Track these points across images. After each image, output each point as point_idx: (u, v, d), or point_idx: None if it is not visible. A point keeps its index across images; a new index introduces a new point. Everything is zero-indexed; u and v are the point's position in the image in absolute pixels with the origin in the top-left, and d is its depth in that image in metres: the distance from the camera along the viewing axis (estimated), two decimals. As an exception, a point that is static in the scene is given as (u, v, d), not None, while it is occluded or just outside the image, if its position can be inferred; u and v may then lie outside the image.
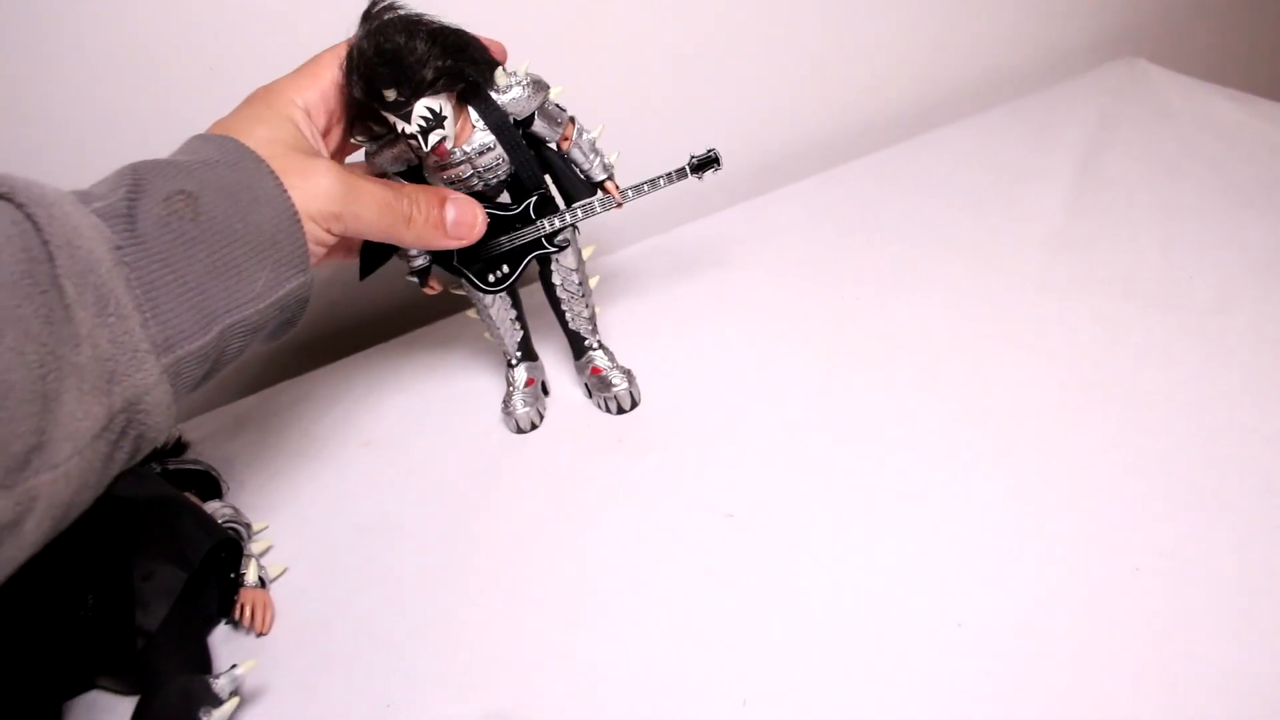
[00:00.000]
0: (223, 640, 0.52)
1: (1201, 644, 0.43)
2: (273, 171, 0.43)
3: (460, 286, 0.61)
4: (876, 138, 0.93)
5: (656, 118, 0.83)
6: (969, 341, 0.64)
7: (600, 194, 0.57)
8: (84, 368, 0.34)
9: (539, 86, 0.53)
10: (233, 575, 0.53)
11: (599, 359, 0.64)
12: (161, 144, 0.45)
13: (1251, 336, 0.60)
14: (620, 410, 0.63)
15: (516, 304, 0.63)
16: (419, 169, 0.54)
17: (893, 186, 0.85)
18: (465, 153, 0.52)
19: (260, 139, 0.44)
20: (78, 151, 0.65)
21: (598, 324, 0.64)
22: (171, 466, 0.59)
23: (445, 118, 0.48)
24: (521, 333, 0.64)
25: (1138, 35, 1.09)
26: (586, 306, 0.63)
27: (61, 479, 0.34)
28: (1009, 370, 0.61)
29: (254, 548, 0.56)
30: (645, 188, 0.57)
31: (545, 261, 0.60)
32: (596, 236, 0.63)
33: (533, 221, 0.57)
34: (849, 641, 0.46)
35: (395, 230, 0.49)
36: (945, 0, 0.94)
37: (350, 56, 0.47)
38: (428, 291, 0.60)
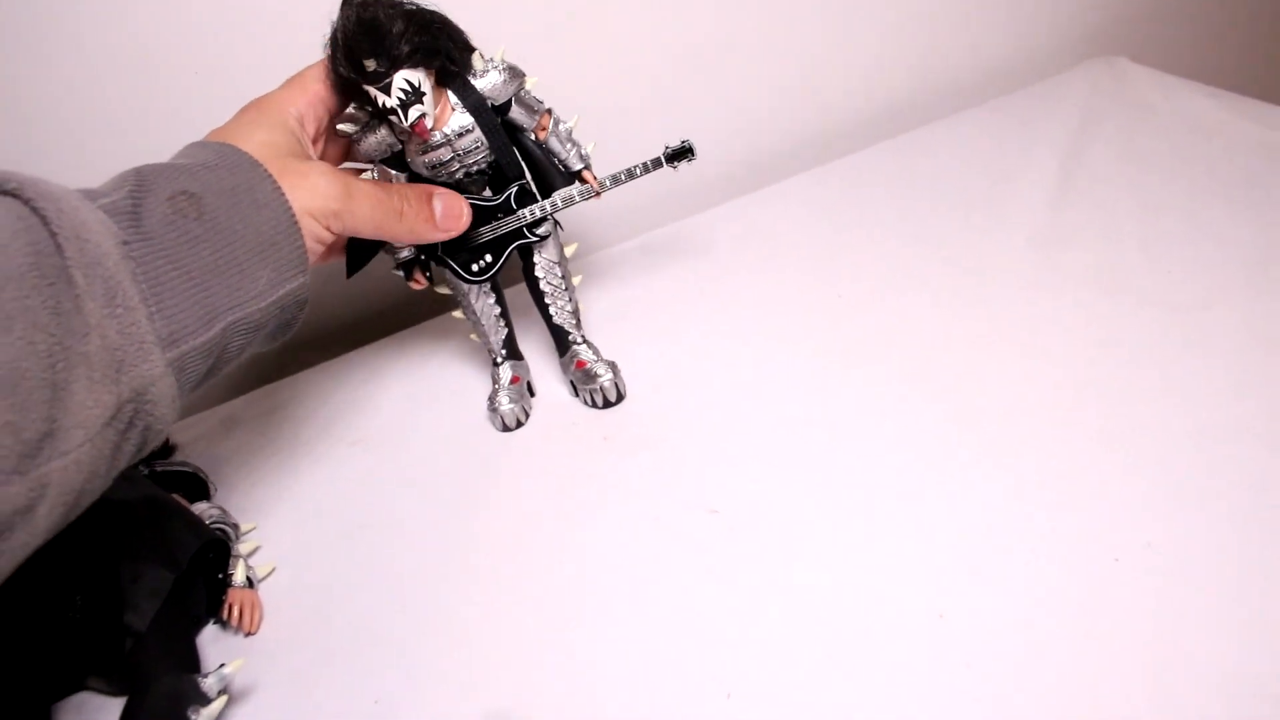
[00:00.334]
0: (211, 640, 0.53)
1: (1183, 636, 0.44)
2: (270, 176, 0.45)
3: (445, 283, 0.62)
4: (861, 136, 0.94)
5: (642, 117, 0.84)
6: (953, 337, 0.65)
7: (579, 183, 0.58)
8: (93, 357, 0.35)
9: (515, 73, 0.55)
10: (220, 576, 0.53)
11: (583, 353, 0.64)
12: (158, 145, 0.46)
13: (1234, 332, 0.61)
14: (606, 403, 0.64)
15: (500, 300, 0.64)
16: (402, 156, 0.56)
17: (877, 185, 0.86)
18: (445, 134, 0.54)
19: (258, 144, 0.46)
20: (76, 153, 0.65)
21: (581, 319, 0.65)
22: (159, 468, 0.59)
23: (424, 94, 0.50)
24: (506, 330, 0.64)
25: (1119, 34, 1.10)
26: (570, 300, 0.63)
27: (73, 466, 0.35)
28: (994, 366, 0.62)
29: (242, 548, 0.56)
30: (622, 177, 0.59)
31: (528, 256, 0.61)
32: (580, 235, 0.64)
33: (513, 211, 0.58)
34: (831, 634, 0.46)
35: (388, 225, 0.52)
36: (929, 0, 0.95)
37: (334, 35, 0.49)
38: (414, 285, 0.61)
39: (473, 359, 0.71)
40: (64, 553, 0.48)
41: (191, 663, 0.50)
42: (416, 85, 0.49)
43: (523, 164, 0.58)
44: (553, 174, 0.59)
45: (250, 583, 0.54)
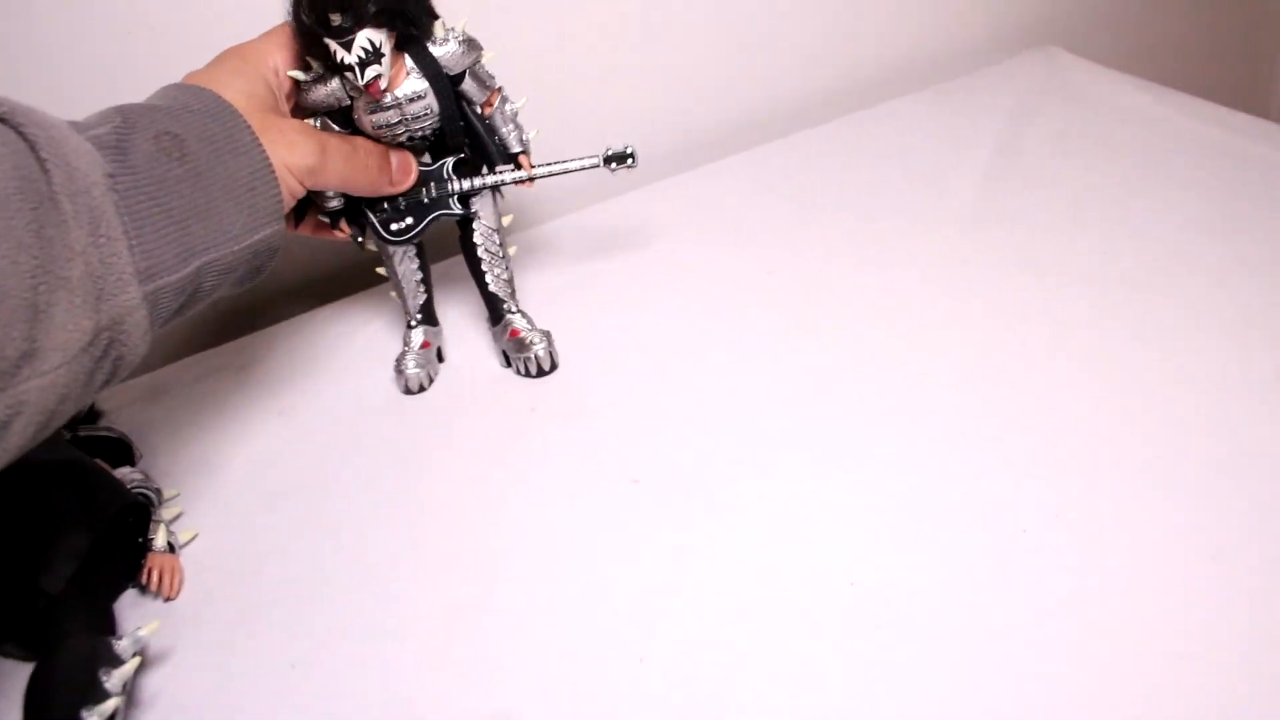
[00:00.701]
0: (130, 605, 0.52)
1: (1090, 603, 0.45)
2: (249, 126, 0.46)
3: (370, 240, 0.62)
4: (797, 119, 0.94)
5: (583, 87, 0.84)
6: (883, 316, 0.66)
7: (513, 166, 0.59)
8: (75, 283, 0.36)
9: (473, 46, 0.56)
10: (140, 540, 0.53)
11: (517, 321, 0.64)
12: (129, 89, 0.47)
13: (1156, 310, 0.64)
14: (540, 371, 0.64)
15: (424, 266, 0.64)
16: (348, 112, 0.56)
17: (813, 167, 0.87)
18: (396, 98, 0.54)
19: (238, 93, 0.47)
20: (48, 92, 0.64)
21: (515, 289, 0.65)
22: (83, 433, 0.59)
23: (384, 55, 0.50)
24: (425, 296, 0.65)
25: (1055, 25, 1.12)
26: (506, 269, 0.64)
27: (49, 387, 0.36)
28: (919, 341, 0.63)
29: (164, 514, 0.55)
30: (557, 169, 0.59)
31: (467, 224, 0.62)
32: (514, 208, 0.64)
33: (446, 181, 0.59)
34: (745, 600, 0.48)
35: (355, 179, 0.55)
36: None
37: None
38: (338, 235, 0.61)
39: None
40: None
41: (108, 626, 0.50)
42: (377, 46, 0.50)
43: (464, 137, 0.58)
44: (491, 151, 0.59)
45: (171, 548, 0.54)
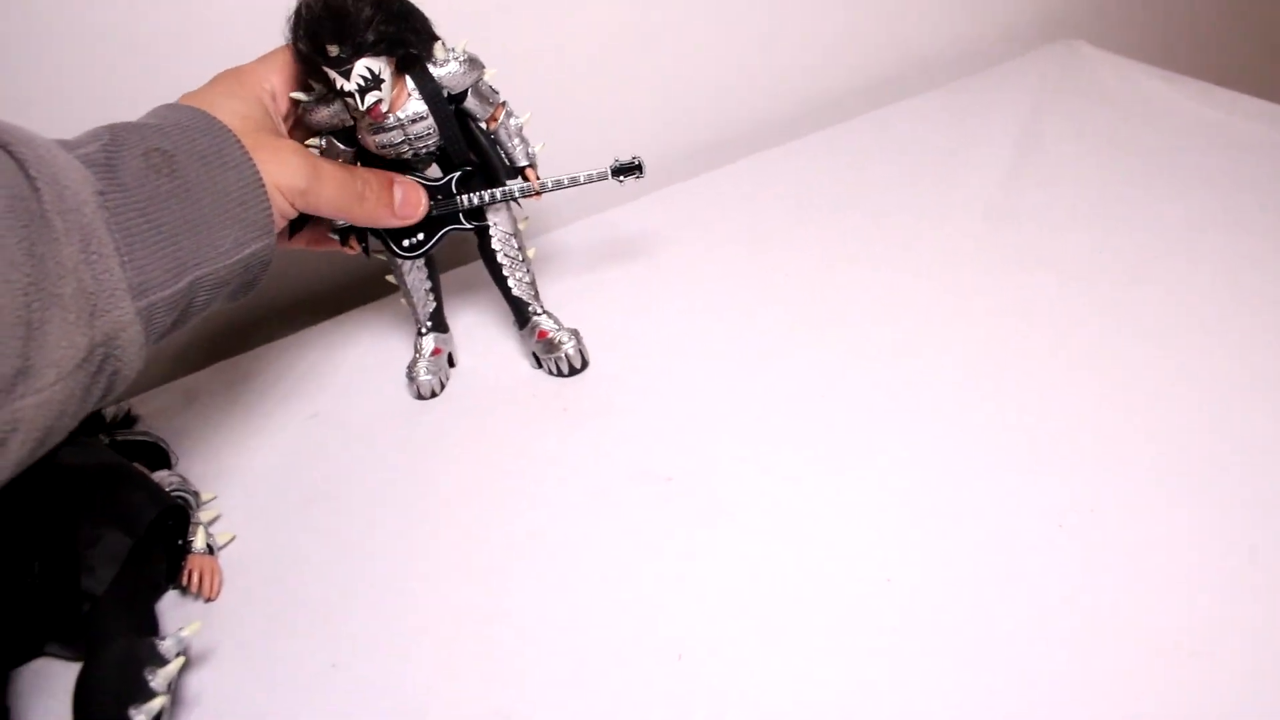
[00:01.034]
0: (171, 606, 0.53)
1: (1123, 600, 0.45)
2: (239, 142, 0.46)
3: (381, 252, 0.63)
4: (818, 118, 0.95)
5: (591, 94, 0.85)
6: (904, 310, 0.66)
7: (521, 180, 0.59)
8: (67, 300, 0.36)
9: (474, 64, 0.56)
10: (180, 542, 0.54)
11: (544, 322, 0.65)
12: (127, 108, 0.47)
13: (1175, 307, 0.63)
14: (572, 370, 0.64)
15: (433, 275, 0.65)
16: (352, 131, 0.56)
17: (834, 166, 0.87)
18: (399, 119, 0.54)
19: (231, 114, 0.47)
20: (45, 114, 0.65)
21: (539, 291, 0.66)
22: (120, 438, 0.59)
23: (383, 81, 0.50)
24: (435, 305, 0.66)
25: (1078, 18, 1.11)
26: (528, 272, 0.64)
27: (45, 404, 0.36)
28: (942, 337, 0.63)
29: (202, 516, 0.56)
30: (565, 181, 0.59)
31: (484, 232, 0.62)
32: (531, 213, 0.64)
33: (453, 196, 0.59)
34: (781, 598, 0.48)
35: (350, 208, 0.54)
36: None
37: (299, 11, 0.49)
38: (347, 250, 0.61)
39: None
40: (22, 520, 0.48)
41: (150, 627, 0.50)
42: (376, 73, 0.50)
43: (469, 153, 0.58)
44: (498, 166, 0.59)
45: (210, 550, 0.54)
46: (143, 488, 0.54)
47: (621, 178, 0.60)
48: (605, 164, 0.60)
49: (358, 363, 0.70)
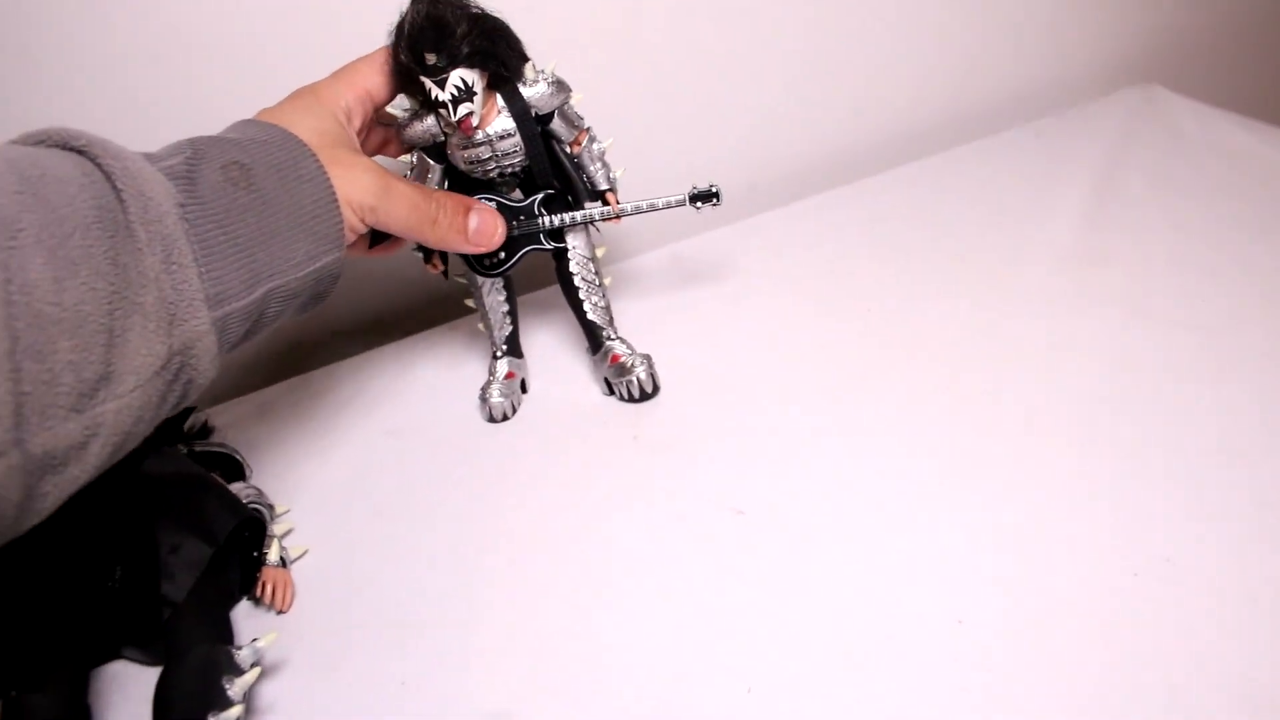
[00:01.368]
0: (244, 616, 0.54)
1: (1198, 651, 0.44)
2: (314, 155, 0.47)
3: (462, 275, 0.64)
4: (894, 155, 0.95)
5: (673, 125, 0.86)
6: (980, 352, 0.66)
7: (601, 203, 0.61)
8: (148, 309, 0.38)
9: (562, 87, 0.57)
10: (255, 554, 0.54)
11: (617, 347, 0.66)
12: (204, 124, 0.48)
13: (1258, 355, 0.62)
14: (644, 394, 0.65)
15: (510, 299, 0.66)
16: (443, 147, 0.58)
17: (911, 203, 0.87)
18: (488, 135, 0.56)
19: (308, 129, 0.49)
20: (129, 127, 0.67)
21: (614, 317, 0.66)
22: (198, 449, 0.60)
23: (475, 94, 0.52)
24: (511, 328, 0.67)
25: (1156, 62, 1.10)
26: (603, 297, 0.65)
27: (124, 409, 0.37)
28: (1019, 381, 0.62)
29: (276, 529, 0.57)
30: (644, 206, 0.61)
31: (562, 255, 0.63)
32: (607, 240, 0.65)
33: (536, 217, 0.60)
34: (851, 635, 0.47)
35: (421, 229, 0.54)
36: (970, 23, 0.96)
37: (400, 24, 0.52)
38: (430, 269, 0.63)
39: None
40: (105, 525, 0.50)
41: (226, 635, 0.51)
42: (469, 84, 0.52)
43: (553, 175, 0.60)
44: (579, 189, 0.61)
45: (284, 562, 0.55)
46: (222, 498, 0.54)
47: (699, 204, 0.61)
48: (684, 190, 0.61)
49: (431, 382, 0.71)
